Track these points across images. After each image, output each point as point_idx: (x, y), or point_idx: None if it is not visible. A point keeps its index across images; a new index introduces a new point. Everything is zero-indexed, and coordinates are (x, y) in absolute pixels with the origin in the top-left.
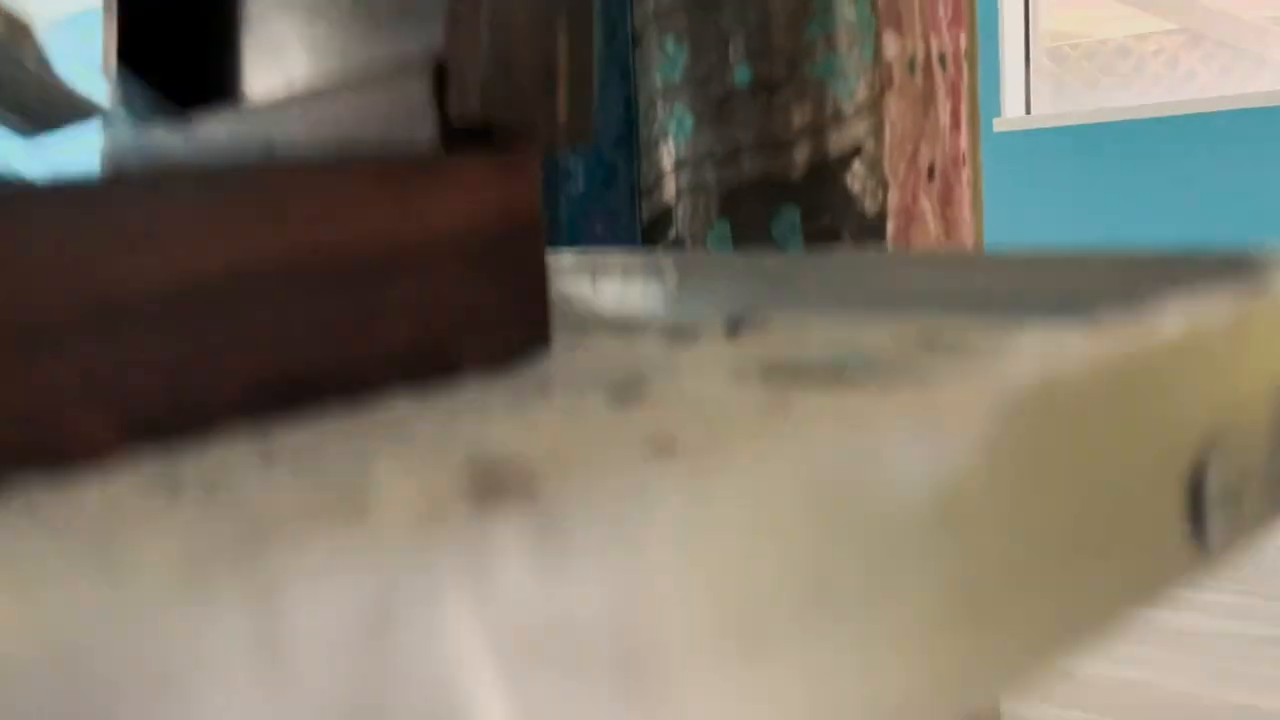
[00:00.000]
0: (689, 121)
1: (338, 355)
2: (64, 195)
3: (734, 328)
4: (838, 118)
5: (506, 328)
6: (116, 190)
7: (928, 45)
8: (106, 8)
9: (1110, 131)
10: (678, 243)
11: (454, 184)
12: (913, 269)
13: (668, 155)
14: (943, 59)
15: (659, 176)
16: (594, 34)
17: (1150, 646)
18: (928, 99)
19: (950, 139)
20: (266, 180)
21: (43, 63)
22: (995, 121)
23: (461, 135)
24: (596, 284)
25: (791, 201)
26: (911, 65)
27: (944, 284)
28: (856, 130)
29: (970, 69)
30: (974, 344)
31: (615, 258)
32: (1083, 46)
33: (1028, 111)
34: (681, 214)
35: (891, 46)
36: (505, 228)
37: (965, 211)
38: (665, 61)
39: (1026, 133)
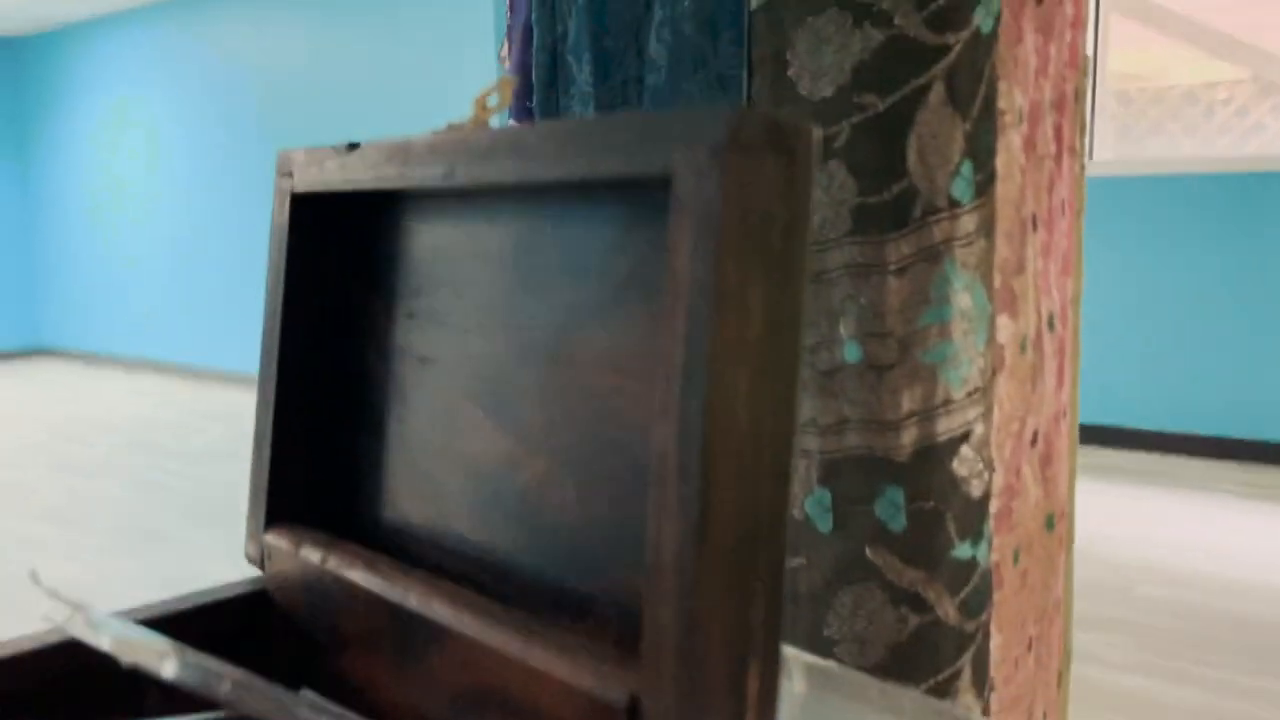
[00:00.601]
0: None
1: None
2: None
3: None
4: (948, 403)
5: None
6: None
7: (1039, 315)
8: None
9: (1175, 183)
10: None
11: None
12: None
13: None
14: (1051, 320)
15: None
16: (780, 644)
17: None
18: (1036, 372)
19: (1054, 398)
20: None
21: None
22: None
23: None
24: None
25: (896, 482)
26: (1024, 345)
27: None
28: (966, 415)
29: (1075, 312)
30: None
31: None
32: (1150, 90)
33: (1090, 157)
34: None
35: (1005, 330)
36: None
37: (1064, 468)
38: None
39: (1088, 179)
